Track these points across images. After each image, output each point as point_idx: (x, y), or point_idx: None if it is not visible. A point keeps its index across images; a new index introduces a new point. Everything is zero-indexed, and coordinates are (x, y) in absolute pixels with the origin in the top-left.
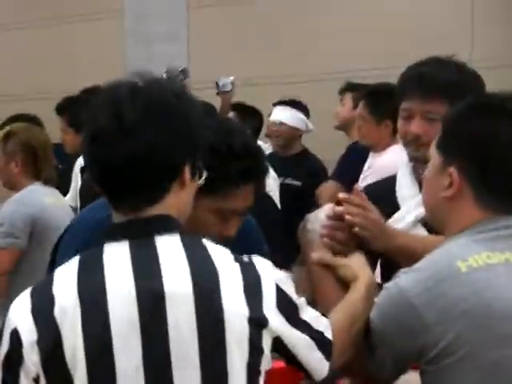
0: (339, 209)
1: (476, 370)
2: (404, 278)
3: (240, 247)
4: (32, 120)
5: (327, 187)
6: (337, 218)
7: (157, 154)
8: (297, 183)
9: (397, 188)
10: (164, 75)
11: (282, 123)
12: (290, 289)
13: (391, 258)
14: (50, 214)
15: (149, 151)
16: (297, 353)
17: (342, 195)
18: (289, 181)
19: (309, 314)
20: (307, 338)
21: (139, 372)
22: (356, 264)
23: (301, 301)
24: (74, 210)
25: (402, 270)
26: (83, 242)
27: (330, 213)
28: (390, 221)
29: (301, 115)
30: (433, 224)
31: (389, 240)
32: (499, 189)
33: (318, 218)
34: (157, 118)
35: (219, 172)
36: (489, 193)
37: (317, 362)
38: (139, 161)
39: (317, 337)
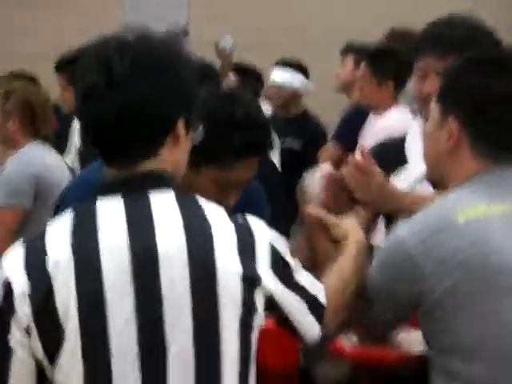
0: (340, 172)
1: (472, 319)
2: (402, 228)
3: (240, 206)
4: (29, 79)
5: (327, 148)
6: (332, 178)
7: (148, 106)
8: (297, 144)
9: (406, 146)
10: (162, 34)
11: (281, 85)
12: (284, 250)
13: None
14: (52, 174)
15: (139, 104)
16: (289, 314)
17: (350, 158)
18: (289, 142)
19: (303, 277)
20: (300, 300)
21: (131, 326)
22: (348, 225)
23: (295, 263)
24: (72, 170)
25: (402, 220)
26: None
27: (325, 173)
28: (397, 177)
29: (300, 76)
30: (434, 180)
31: (394, 202)
32: (496, 139)
33: (315, 178)
34: (146, 71)
35: (220, 142)
36: (486, 144)
37: (309, 325)
38: (130, 114)
39: (310, 300)
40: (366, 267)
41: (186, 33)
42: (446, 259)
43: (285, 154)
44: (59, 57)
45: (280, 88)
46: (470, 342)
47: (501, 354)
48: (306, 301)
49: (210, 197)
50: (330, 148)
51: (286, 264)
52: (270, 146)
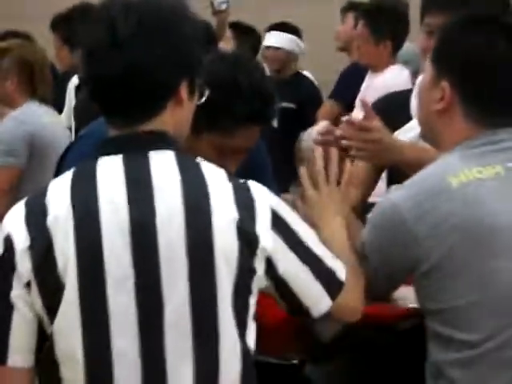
0: (337, 132)
1: (469, 282)
2: (396, 193)
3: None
4: (24, 38)
5: (325, 106)
6: (329, 133)
7: (151, 67)
8: (292, 106)
9: (412, 99)
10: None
11: (278, 48)
12: (290, 217)
13: (401, 171)
14: (49, 133)
15: (143, 64)
16: (289, 280)
17: (345, 118)
18: (284, 103)
19: (319, 249)
20: (306, 267)
21: (128, 282)
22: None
23: (309, 232)
24: (68, 129)
25: (394, 186)
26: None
27: (322, 129)
28: (401, 131)
29: (294, 38)
30: (427, 140)
31: (396, 155)
32: (488, 103)
33: (311, 135)
34: (151, 32)
35: (224, 110)
36: (478, 107)
37: (316, 296)
38: (133, 74)
39: (322, 270)
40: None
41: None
42: (440, 223)
43: (281, 114)
44: (55, 16)
45: (276, 51)
46: (467, 303)
47: (497, 314)
48: (314, 269)
49: (210, 162)
50: (328, 106)
51: (289, 229)
52: (273, 115)
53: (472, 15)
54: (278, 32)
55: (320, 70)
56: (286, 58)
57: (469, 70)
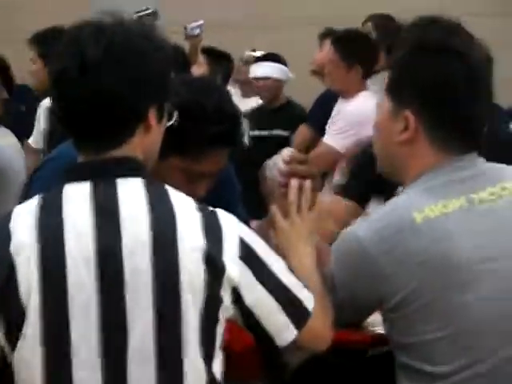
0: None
1: (437, 317)
2: (361, 227)
3: (210, 193)
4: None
5: (300, 132)
6: (295, 161)
7: (119, 95)
8: (285, 133)
9: None
10: (134, 17)
11: (267, 78)
12: (258, 246)
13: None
14: (6, 155)
15: (111, 91)
16: (254, 311)
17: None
18: (277, 131)
19: (288, 279)
20: (272, 298)
21: (93, 311)
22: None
23: (278, 262)
24: (37, 151)
25: (359, 218)
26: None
27: (285, 157)
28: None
29: (282, 67)
30: (387, 173)
31: None
32: (453, 127)
33: (276, 165)
34: (120, 58)
35: (190, 134)
36: (443, 134)
37: (279, 326)
38: (101, 101)
39: (288, 300)
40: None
41: (156, 16)
42: (407, 259)
43: (274, 142)
44: (33, 34)
45: (265, 81)
46: (436, 338)
47: (466, 349)
48: (280, 300)
49: (179, 187)
50: (302, 130)
51: (258, 259)
52: (240, 137)
53: (419, 43)
54: (265, 62)
55: (306, 95)
56: (276, 86)
57: (430, 96)
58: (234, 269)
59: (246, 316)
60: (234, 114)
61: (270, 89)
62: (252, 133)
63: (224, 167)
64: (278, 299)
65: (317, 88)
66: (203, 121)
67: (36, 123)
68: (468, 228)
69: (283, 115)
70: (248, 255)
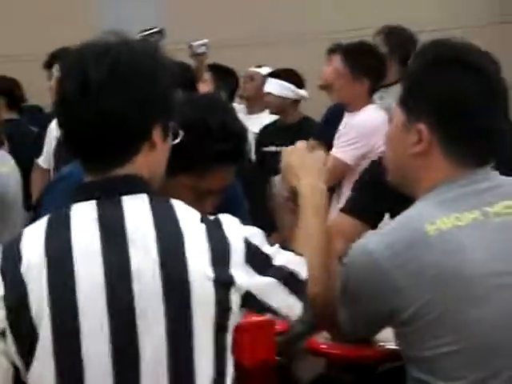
0: None
1: (449, 330)
2: (373, 241)
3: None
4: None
5: (308, 146)
6: None
7: (123, 114)
8: None
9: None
10: (140, 35)
11: (269, 93)
12: (260, 241)
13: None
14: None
15: (114, 113)
16: (268, 301)
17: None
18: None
19: (282, 258)
20: (278, 283)
21: (104, 330)
22: (296, 175)
23: (273, 249)
24: (47, 171)
25: (370, 231)
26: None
27: None
28: None
29: (287, 84)
30: (398, 185)
31: None
32: (466, 142)
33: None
34: (123, 78)
35: (196, 151)
36: (458, 147)
37: (289, 306)
38: (105, 121)
39: (289, 279)
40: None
41: (163, 35)
42: (420, 273)
43: None
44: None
45: (268, 96)
46: (448, 352)
47: (478, 364)
48: (284, 282)
49: (187, 203)
50: (310, 146)
51: (263, 255)
52: (246, 153)
53: (434, 56)
54: (272, 79)
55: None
56: (279, 103)
57: (444, 110)
58: (242, 276)
59: (261, 307)
60: (238, 131)
61: (273, 104)
62: (267, 148)
63: (230, 183)
64: (283, 283)
65: (326, 103)
66: (207, 138)
67: (46, 142)
68: (482, 241)
69: (297, 131)
70: (254, 255)
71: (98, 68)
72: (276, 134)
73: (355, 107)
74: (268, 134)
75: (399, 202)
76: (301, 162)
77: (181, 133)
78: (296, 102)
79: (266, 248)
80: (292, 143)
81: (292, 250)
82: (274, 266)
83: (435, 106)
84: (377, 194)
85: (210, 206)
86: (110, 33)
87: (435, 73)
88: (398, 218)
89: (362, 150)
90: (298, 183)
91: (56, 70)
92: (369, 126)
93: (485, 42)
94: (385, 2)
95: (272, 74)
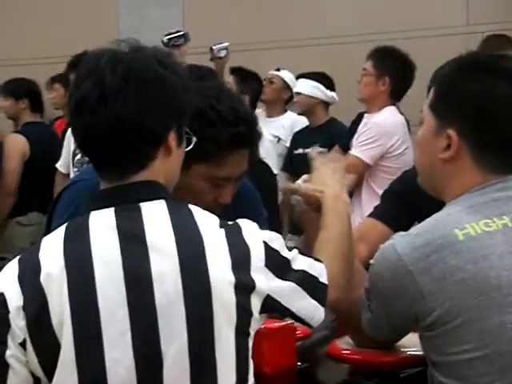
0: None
1: (474, 336)
2: (401, 242)
3: (236, 213)
4: (31, 84)
5: (333, 152)
6: None
7: (138, 121)
8: (323, 150)
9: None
10: (164, 39)
11: (299, 93)
12: (280, 245)
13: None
14: None
15: (129, 118)
16: (289, 305)
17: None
18: (316, 149)
19: (302, 263)
20: (298, 288)
21: (127, 337)
22: (319, 185)
23: (293, 253)
24: (66, 175)
25: (399, 232)
26: (80, 203)
27: (307, 178)
28: None
29: (316, 84)
30: (427, 189)
31: None
32: (497, 149)
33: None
34: (138, 85)
35: (209, 139)
36: (489, 154)
37: (311, 311)
38: (120, 128)
39: (310, 284)
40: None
41: (187, 38)
42: (446, 277)
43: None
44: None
45: (297, 96)
46: (473, 358)
47: (503, 370)
48: (304, 287)
49: (204, 195)
50: (335, 151)
51: (282, 258)
52: (258, 138)
53: (470, 60)
54: (302, 79)
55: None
56: (307, 102)
57: (475, 117)
58: (262, 280)
59: (282, 311)
60: (248, 114)
61: (302, 104)
62: (297, 151)
63: (250, 190)
64: (304, 288)
65: (353, 106)
66: (220, 124)
67: (64, 147)
68: (510, 248)
69: (323, 133)
70: (273, 259)
71: (113, 75)
72: (305, 136)
73: (374, 106)
74: (298, 138)
75: (429, 213)
76: (326, 175)
77: (194, 139)
78: (325, 103)
79: (286, 252)
80: (319, 144)
81: (312, 256)
82: (294, 270)
83: (466, 113)
84: (407, 206)
85: (228, 195)
86: (121, 40)
87: (467, 79)
88: (428, 220)
89: (380, 150)
90: (322, 194)
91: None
92: (387, 126)
93: None
94: (405, 5)
95: (302, 76)
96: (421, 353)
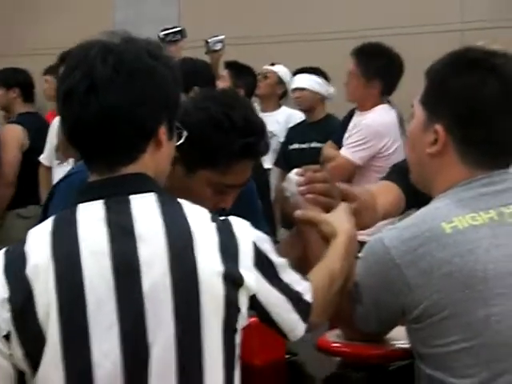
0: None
1: (461, 328)
2: (388, 236)
3: (234, 210)
4: (23, 74)
5: (326, 147)
6: (314, 181)
7: (129, 111)
8: (320, 146)
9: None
10: (161, 34)
11: (303, 89)
12: (269, 248)
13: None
14: None
15: (119, 110)
16: (272, 311)
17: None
18: (314, 144)
19: (289, 276)
20: (284, 298)
21: (114, 329)
22: (336, 219)
23: (281, 261)
24: (49, 168)
25: (388, 226)
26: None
27: (300, 171)
28: None
29: (320, 80)
30: (418, 185)
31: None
32: (483, 146)
33: (292, 181)
34: (128, 76)
35: (220, 147)
36: (473, 150)
37: (292, 324)
38: (111, 118)
39: (294, 297)
40: (355, 261)
41: (183, 34)
42: (433, 270)
43: (311, 154)
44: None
45: (301, 92)
46: (460, 350)
47: (490, 361)
48: (290, 298)
49: (206, 200)
50: (329, 147)
51: (270, 262)
52: (266, 148)
53: (462, 56)
54: (304, 74)
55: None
56: (311, 98)
57: (463, 113)
58: (251, 277)
59: (264, 316)
60: (260, 125)
61: (306, 100)
62: (292, 146)
63: (247, 182)
64: (290, 299)
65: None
66: (233, 133)
67: (48, 140)
68: (496, 241)
69: (321, 128)
70: (261, 260)
71: (104, 65)
72: (301, 132)
73: (364, 107)
74: (294, 133)
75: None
76: (345, 215)
77: (185, 133)
78: (323, 98)
79: (274, 257)
80: (316, 140)
81: (302, 274)
82: (282, 280)
83: (454, 109)
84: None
85: (230, 201)
86: (112, 32)
87: (457, 75)
88: (416, 214)
89: (370, 151)
90: (339, 229)
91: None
92: (379, 127)
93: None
94: (401, 1)
95: (301, 71)
96: (409, 345)
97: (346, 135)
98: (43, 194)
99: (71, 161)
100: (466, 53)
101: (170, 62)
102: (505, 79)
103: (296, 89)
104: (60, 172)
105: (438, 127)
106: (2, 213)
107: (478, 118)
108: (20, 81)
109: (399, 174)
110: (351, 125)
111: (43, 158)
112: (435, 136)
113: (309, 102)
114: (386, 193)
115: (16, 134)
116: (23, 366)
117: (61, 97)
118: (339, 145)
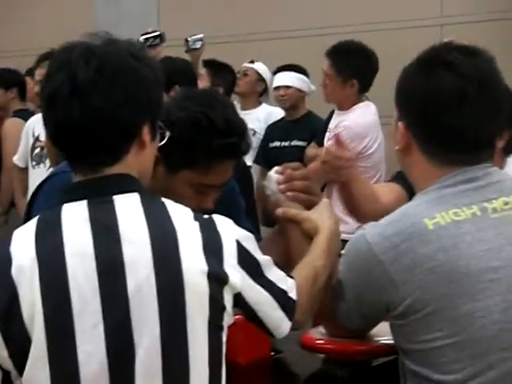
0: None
1: (444, 324)
2: (371, 232)
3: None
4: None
5: (310, 148)
6: (293, 179)
7: (112, 113)
8: (302, 144)
9: None
10: (140, 38)
11: (288, 87)
12: (252, 247)
13: None
14: None
15: (103, 110)
16: (257, 309)
17: (280, 169)
18: (295, 142)
19: (273, 273)
20: (269, 296)
21: (99, 329)
22: (318, 216)
23: (265, 259)
24: (23, 170)
25: (370, 223)
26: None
27: (280, 169)
28: None
29: (303, 77)
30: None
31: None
32: (445, 142)
33: (272, 179)
34: (111, 78)
35: (200, 147)
36: (435, 146)
37: (277, 321)
38: (94, 120)
39: (279, 295)
40: (338, 258)
41: (163, 38)
42: (416, 266)
43: (293, 152)
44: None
45: (286, 89)
46: (444, 345)
47: (474, 357)
48: (275, 296)
49: (187, 200)
50: (312, 148)
51: (254, 260)
52: (248, 148)
53: (426, 55)
54: (287, 72)
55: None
56: (296, 96)
57: (418, 112)
58: (236, 275)
59: (249, 314)
60: (241, 125)
61: (291, 98)
62: (273, 144)
63: (229, 181)
64: (274, 297)
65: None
66: (213, 133)
67: (22, 140)
68: (479, 237)
69: (302, 126)
70: (245, 258)
71: (86, 68)
72: (282, 129)
73: (343, 106)
74: (274, 130)
75: None
76: (328, 212)
77: (167, 133)
78: (304, 95)
79: (258, 255)
80: (298, 138)
81: (284, 271)
82: (267, 278)
83: (411, 107)
84: None
85: (211, 201)
86: (93, 34)
87: (413, 73)
88: (398, 210)
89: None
90: (321, 224)
91: (38, 75)
92: (359, 129)
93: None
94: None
95: (283, 69)
96: (393, 342)
97: (328, 135)
98: (17, 196)
99: (47, 162)
100: (430, 51)
101: (152, 63)
102: (464, 75)
103: (280, 87)
104: (38, 173)
105: (400, 125)
106: (7, 208)
107: (434, 116)
108: (18, 81)
109: (404, 176)
110: (331, 125)
111: (17, 159)
112: (400, 134)
113: (293, 100)
114: (388, 192)
115: (19, 128)
116: (9, 366)
117: (45, 100)
118: (322, 146)
